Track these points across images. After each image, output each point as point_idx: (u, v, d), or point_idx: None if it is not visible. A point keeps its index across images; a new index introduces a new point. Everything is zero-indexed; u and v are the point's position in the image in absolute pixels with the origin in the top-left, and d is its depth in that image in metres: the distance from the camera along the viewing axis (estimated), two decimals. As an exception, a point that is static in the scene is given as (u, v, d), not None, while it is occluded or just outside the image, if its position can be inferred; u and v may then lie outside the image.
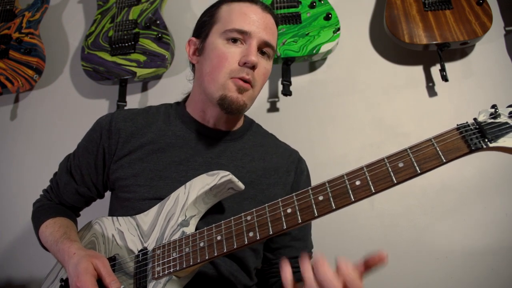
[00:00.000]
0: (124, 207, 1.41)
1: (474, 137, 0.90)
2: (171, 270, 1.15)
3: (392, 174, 0.94)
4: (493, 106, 0.93)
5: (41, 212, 1.50)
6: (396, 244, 1.97)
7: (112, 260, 1.29)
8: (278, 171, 1.52)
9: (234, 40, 1.38)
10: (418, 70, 2.16)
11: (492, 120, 0.91)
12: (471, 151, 0.90)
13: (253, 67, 1.36)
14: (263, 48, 1.41)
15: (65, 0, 2.73)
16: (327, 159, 2.11)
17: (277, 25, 1.52)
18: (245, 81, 1.36)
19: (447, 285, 1.89)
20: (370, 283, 1.95)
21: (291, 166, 1.57)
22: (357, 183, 0.97)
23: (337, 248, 2.00)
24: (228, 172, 1.23)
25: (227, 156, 1.47)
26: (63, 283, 1.35)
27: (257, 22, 1.40)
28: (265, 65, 1.43)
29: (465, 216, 1.94)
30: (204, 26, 1.49)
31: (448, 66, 2.06)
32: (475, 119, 0.93)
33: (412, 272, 1.93)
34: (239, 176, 1.40)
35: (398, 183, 0.93)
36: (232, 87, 1.36)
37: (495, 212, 1.92)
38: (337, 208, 0.98)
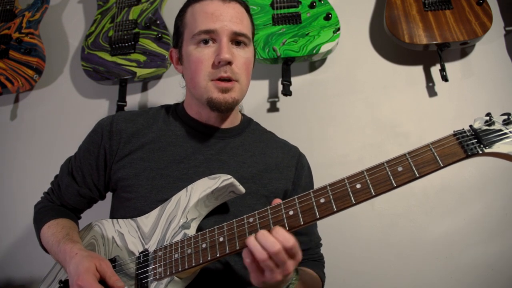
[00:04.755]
0: (126, 207, 1.42)
1: (470, 143, 0.94)
2: (173, 271, 1.16)
3: (392, 178, 0.97)
4: (488, 114, 0.97)
5: (43, 213, 1.50)
6: (396, 244, 1.97)
7: (113, 261, 1.29)
8: (279, 166, 1.54)
9: (205, 42, 1.40)
10: (418, 70, 2.16)
11: (487, 127, 0.95)
12: (467, 156, 0.94)
13: (229, 63, 1.37)
14: (235, 39, 1.41)
15: (65, 0, 2.72)
16: (327, 159, 2.11)
17: (247, 7, 1.52)
18: (225, 79, 1.38)
19: (447, 285, 1.90)
20: (370, 283, 1.97)
21: (292, 161, 1.58)
22: (358, 186, 1.00)
23: (337, 248, 2.00)
24: (229, 176, 1.24)
25: (227, 153, 1.49)
26: (62, 285, 1.36)
27: (221, 16, 1.39)
28: (243, 54, 1.43)
29: (465, 216, 1.94)
30: (178, 34, 1.52)
31: (448, 66, 2.07)
32: (471, 126, 0.97)
33: (412, 272, 1.93)
34: (241, 171, 1.44)
35: (398, 186, 0.97)
36: (214, 89, 1.38)
37: (495, 212, 1.92)
38: (338, 210, 1.01)
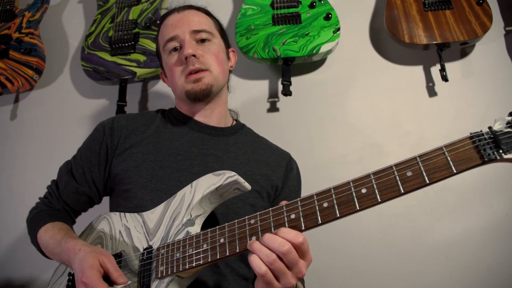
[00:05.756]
0: (126, 198, 1.44)
1: (488, 147, 0.85)
2: (174, 270, 1.16)
3: (400, 184, 0.91)
4: (510, 114, 0.87)
5: (39, 218, 1.50)
6: (396, 244, 1.98)
7: (118, 256, 1.30)
8: (270, 165, 1.60)
9: (175, 49, 1.57)
10: (418, 70, 2.16)
11: (508, 129, 0.85)
12: (483, 163, 0.86)
13: (194, 56, 1.51)
14: (197, 37, 1.57)
15: (65, 0, 2.72)
16: (327, 159, 2.11)
17: (204, 10, 1.69)
18: (195, 72, 1.51)
19: (447, 285, 1.90)
20: (370, 283, 1.97)
21: (282, 162, 1.65)
22: (363, 191, 0.95)
23: (337, 248, 2.00)
24: (234, 173, 1.23)
25: (221, 149, 1.55)
26: (71, 277, 1.36)
27: (178, 23, 1.58)
28: (209, 47, 1.58)
29: (465, 216, 1.94)
30: (158, 55, 1.71)
31: (448, 66, 2.07)
32: (490, 127, 0.87)
33: (412, 272, 1.94)
34: (233, 166, 1.49)
35: (405, 193, 0.91)
36: (188, 83, 1.53)
37: (495, 212, 1.92)
38: (341, 216, 0.97)
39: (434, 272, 1.91)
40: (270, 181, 1.55)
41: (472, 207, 1.95)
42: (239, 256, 1.41)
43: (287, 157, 1.69)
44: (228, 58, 1.70)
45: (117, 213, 1.43)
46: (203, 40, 1.57)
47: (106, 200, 1.62)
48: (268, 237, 1.00)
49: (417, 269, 1.94)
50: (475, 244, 1.91)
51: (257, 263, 1.00)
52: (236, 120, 1.76)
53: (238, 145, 1.60)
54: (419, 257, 1.95)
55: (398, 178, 0.92)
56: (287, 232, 0.99)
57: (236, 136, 1.64)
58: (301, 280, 1.55)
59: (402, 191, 0.91)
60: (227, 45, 1.72)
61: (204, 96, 1.53)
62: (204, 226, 1.24)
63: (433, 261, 1.92)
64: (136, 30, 2.29)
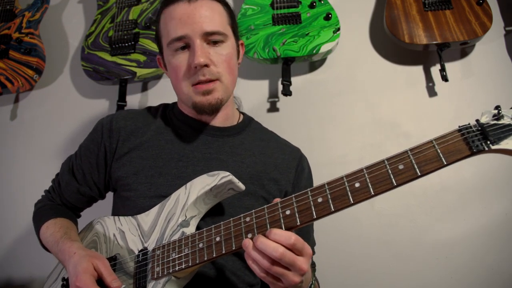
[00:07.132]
0: (126, 206, 1.42)
1: (476, 139, 0.87)
2: (170, 270, 1.15)
3: (392, 177, 0.93)
4: (497, 107, 0.89)
5: (42, 213, 1.51)
6: (396, 244, 1.97)
7: (113, 259, 1.29)
8: (279, 167, 1.52)
9: (182, 48, 1.39)
10: (418, 70, 2.16)
11: (495, 122, 0.88)
12: (472, 154, 0.88)
13: (206, 65, 1.35)
14: (208, 38, 1.38)
15: (65, 0, 2.72)
16: (327, 159, 2.11)
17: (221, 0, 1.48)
18: (205, 82, 1.37)
19: (447, 285, 1.89)
20: (370, 283, 1.96)
21: (292, 163, 1.57)
22: (357, 185, 0.96)
23: (337, 248, 2.00)
24: (228, 173, 1.23)
25: (226, 152, 1.48)
26: (65, 282, 1.36)
27: (189, 19, 1.36)
28: (221, 51, 1.40)
29: (465, 216, 1.94)
30: (158, 41, 1.51)
31: (448, 66, 2.06)
32: (477, 120, 0.90)
33: (412, 272, 1.93)
34: (239, 171, 1.42)
35: (398, 185, 0.92)
36: (196, 94, 1.38)
37: (495, 212, 1.92)
38: (336, 210, 0.97)
39: (434, 272, 1.91)
40: (278, 186, 1.48)
41: (472, 207, 1.94)
42: (244, 264, 1.38)
43: (297, 155, 1.60)
44: (238, 54, 1.55)
45: (111, 217, 1.42)
46: (215, 42, 1.39)
47: (110, 195, 1.61)
48: (261, 241, 0.99)
49: (417, 269, 1.93)
50: (475, 244, 1.90)
51: (255, 268, 1.01)
52: (243, 114, 1.65)
53: (245, 145, 1.52)
54: (419, 257, 1.94)
55: (390, 172, 0.93)
56: (279, 234, 0.99)
57: (242, 135, 1.55)
58: (313, 264, 1.54)
59: (395, 184, 0.92)
60: (237, 38, 1.54)
61: (212, 111, 1.43)
62: None
63: (433, 261, 1.92)
64: (136, 30, 2.29)
